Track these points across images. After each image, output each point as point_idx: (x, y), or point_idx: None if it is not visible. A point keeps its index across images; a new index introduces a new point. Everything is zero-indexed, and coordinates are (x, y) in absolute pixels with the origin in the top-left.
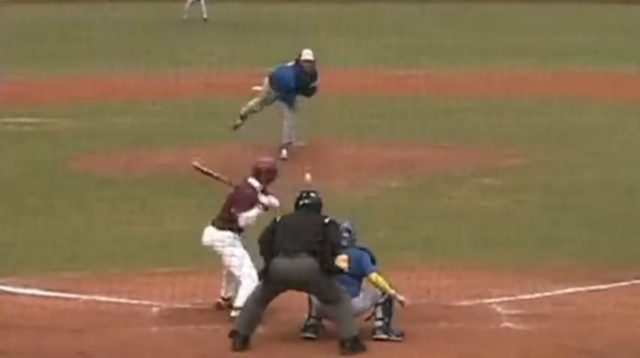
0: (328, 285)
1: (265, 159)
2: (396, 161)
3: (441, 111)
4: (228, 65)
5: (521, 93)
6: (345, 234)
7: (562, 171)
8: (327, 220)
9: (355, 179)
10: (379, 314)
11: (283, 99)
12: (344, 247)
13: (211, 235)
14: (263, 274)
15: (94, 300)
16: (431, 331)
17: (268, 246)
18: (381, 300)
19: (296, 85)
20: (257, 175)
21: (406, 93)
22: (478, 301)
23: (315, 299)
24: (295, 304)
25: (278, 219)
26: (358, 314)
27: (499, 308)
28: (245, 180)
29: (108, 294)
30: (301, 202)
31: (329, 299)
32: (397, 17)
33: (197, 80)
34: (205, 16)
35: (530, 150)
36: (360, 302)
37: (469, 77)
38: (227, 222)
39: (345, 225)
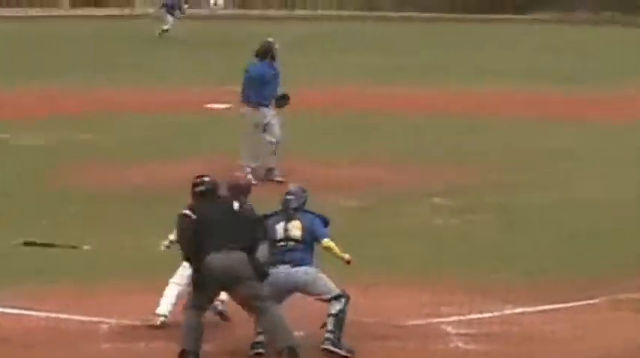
0: (259, 288)
1: (240, 175)
2: (354, 179)
3: (403, 129)
4: (199, 82)
5: (482, 112)
6: (290, 197)
7: (517, 191)
8: (236, 206)
9: (311, 196)
10: (330, 326)
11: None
12: (295, 209)
13: None
14: (194, 278)
15: (47, 317)
16: (381, 350)
17: (196, 246)
18: (334, 311)
19: (263, 72)
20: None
21: (374, 110)
22: (429, 320)
23: None
24: (244, 320)
25: (189, 215)
26: (319, 294)
27: (449, 328)
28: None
29: (60, 310)
30: (198, 189)
31: (254, 306)
32: (368, 36)
33: (166, 96)
34: (166, 27)
35: (487, 169)
36: (319, 285)
37: (430, 96)
38: None
39: (293, 188)
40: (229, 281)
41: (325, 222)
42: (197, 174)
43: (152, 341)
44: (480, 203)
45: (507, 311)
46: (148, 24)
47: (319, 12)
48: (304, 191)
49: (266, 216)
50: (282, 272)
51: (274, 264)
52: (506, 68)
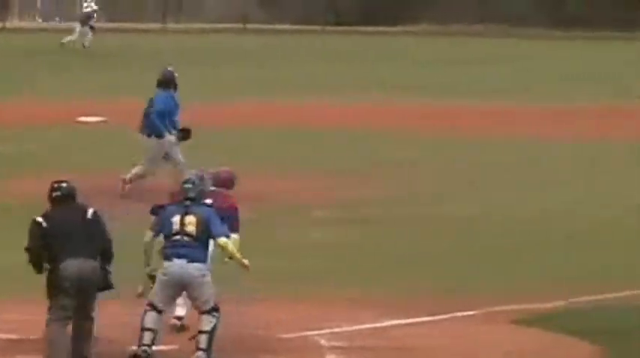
0: (96, 296)
1: (224, 168)
2: (240, 193)
3: (289, 141)
4: (70, 95)
5: (360, 125)
6: (188, 186)
7: (397, 205)
8: (90, 214)
9: None
10: (203, 345)
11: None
12: (192, 199)
13: None
14: (49, 289)
15: None
16: None
17: (48, 252)
18: (207, 328)
19: (168, 103)
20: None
21: (257, 124)
22: (303, 333)
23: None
24: (119, 335)
25: (41, 220)
26: (206, 300)
27: (322, 341)
28: (221, 194)
29: None
30: (54, 194)
31: (87, 313)
32: (243, 49)
33: (36, 109)
34: (71, 38)
35: (367, 182)
36: (204, 289)
37: (316, 107)
38: None
39: (190, 176)
40: (84, 289)
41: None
42: (55, 180)
43: (29, 354)
44: (359, 216)
45: (382, 324)
46: (21, 38)
47: (194, 25)
48: (202, 179)
49: (161, 207)
50: (177, 265)
51: (169, 257)
52: (382, 80)
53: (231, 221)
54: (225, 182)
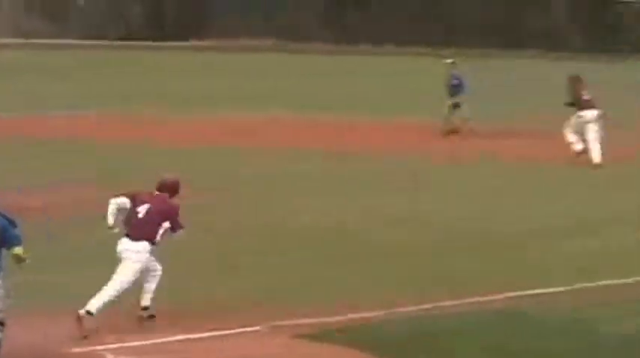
0: None
1: (169, 175)
2: (30, 208)
3: (86, 153)
4: None
5: (157, 138)
6: None
7: (220, 215)
8: None
9: None
10: None
11: None
12: None
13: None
14: None
15: None
16: None
17: None
18: None
19: None
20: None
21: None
22: (90, 348)
23: None
24: None
25: None
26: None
27: (109, 355)
28: (161, 196)
29: None
30: None
31: None
32: (31, 63)
33: None
34: None
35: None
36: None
37: (114, 120)
38: (145, 234)
39: None
40: None
41: (14, 224)
42: None
43: None
44: None
45: (168, 338)
46: None
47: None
48: None
49: None
50: None
51: None
52: (168, 93)
53: (174, 220)
54: (173, 186)
